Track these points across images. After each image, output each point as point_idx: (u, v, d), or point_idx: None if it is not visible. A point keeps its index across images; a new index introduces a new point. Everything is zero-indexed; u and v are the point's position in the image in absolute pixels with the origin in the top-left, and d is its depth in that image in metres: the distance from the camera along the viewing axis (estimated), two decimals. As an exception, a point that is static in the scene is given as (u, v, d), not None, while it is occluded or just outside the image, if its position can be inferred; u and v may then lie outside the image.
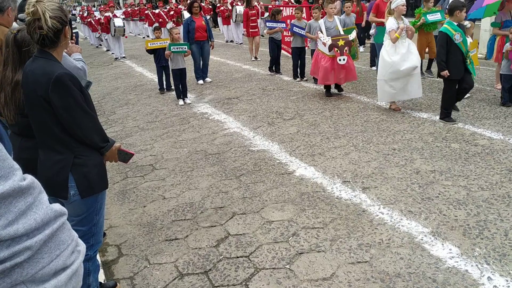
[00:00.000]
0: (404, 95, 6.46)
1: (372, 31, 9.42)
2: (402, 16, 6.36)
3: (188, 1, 9.82)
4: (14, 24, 3.76)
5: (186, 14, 14.11)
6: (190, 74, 9.07)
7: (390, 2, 6.44)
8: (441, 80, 5.98)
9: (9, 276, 0.83)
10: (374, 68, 9.83)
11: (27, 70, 2.27)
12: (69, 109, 2.22)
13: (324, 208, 3.79)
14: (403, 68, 6.18)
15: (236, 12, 15.57)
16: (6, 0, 3.27)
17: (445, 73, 5.67)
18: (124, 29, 14.99)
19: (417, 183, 4.16)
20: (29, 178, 0.89)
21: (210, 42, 9.39)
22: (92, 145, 2.36)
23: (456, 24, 5.65)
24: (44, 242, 0.87)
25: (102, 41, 17.26)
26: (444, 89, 5.89)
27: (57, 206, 0.94)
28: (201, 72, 9.68)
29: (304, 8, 10.23)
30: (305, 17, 10.11)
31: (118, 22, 14.29)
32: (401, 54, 6.24)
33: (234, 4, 16.70)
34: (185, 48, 7.67)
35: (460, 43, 5.61)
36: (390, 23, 6.33)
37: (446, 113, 5.89)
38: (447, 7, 10.81)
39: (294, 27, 8.88)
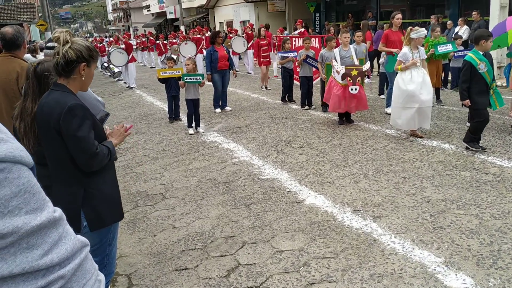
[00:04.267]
0: (413, 125, 6.48)
1: (381, 60, 9.53)
2: (419, 46, 6.40)
3: (211, 32, 10.11)
4: (29, 56, 3.89)
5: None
6: (203, 103, 9.17)
7: (410, 29, 6.45)
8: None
9: None
10: (382, 96, 9.90)
11: (42, 103, 2.33)
12: (76, 138, 2.26)
13: (335, 238, 3.77)
14: (421, 98, 6.22)
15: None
16: (21, 36, 3.40)
17: (467, 102, 5.59)
18: (120, 73, 15.81)
19: (428, 212, 4.13)
20: (59, 209, 0.94)
21: (231, 71, 9.68)
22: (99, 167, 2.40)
23: (481, 53, 5.58)
24: (74, 271, 0.91)
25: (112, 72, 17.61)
26: (475, 117, 5.69)
27: (82, 237, 0.98)
28: (221, 101, 9.84)
29: (312, 39, 10.44)
30: (318, 47, 10.32)
31: (116, 69, 15.29)
32: (417, 83, 6.28)
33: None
34: (199, 79, 7.80)
35: (485, 72, 5.53)
36: (403, 52, 6.38)
37: (472, 138, 5.74)
38: (453, 36, 11.00)
39: (308, 59, 9.02)
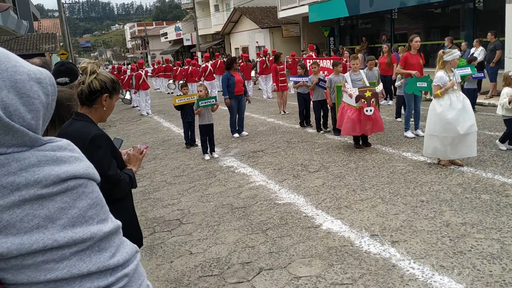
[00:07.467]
0: (455, 154, 6.01)
1: (397, 83, 9.53)
2: (453, 69, 6.12)
3: (228, 58, 10.30)
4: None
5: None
6: (219, 128, 9.29)
7: (442, 52, 6.17)
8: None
9: None
10: (399, 119, 9.86)
11: (63, 133, 2.40)
12: (99, 167, 2.32)
13: (352, 263, 3.73)
14: (462, 131, 5.79)
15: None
16: (48, 66, 3.53)
17: None
18: (131, 101, 17.27)
19: (448, 236, 4.06)
20: (117, 220, 1.10)
21: (246, 97, 9.81)
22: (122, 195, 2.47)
23: None
24: (134, 271, 1.06)
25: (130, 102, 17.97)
26: None
27: (133, 244, 1.13)
28: (237, 126, 9.92)
29: (326, 61, 10.55)
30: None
31: (127, 95, 16.36)
32: (457, 110, 5.85)
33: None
34: (213, 101, 7.90)
35: None
36: (439, 76, 6.03)
37: None
38: (468, 57, 10.96)
39: (320, 82, 9.10)
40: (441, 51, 6.30)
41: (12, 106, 0.91)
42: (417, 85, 7.65)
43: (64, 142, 1.03)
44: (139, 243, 2.58)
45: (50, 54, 26.09)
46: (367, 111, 7.20)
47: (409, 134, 8.15)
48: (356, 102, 7.30)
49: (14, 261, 0.89)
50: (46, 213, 0.92)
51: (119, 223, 1.07)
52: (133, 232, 2.51)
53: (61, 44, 28.60)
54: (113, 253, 1.01)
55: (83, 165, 1.01)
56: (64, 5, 32.96)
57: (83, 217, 0.97)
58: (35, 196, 0.91)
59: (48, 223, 0.92)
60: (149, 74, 21.04)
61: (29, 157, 0.93)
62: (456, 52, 6.13)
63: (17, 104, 0.92)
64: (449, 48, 9.70)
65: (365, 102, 7.21)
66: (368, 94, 7.21)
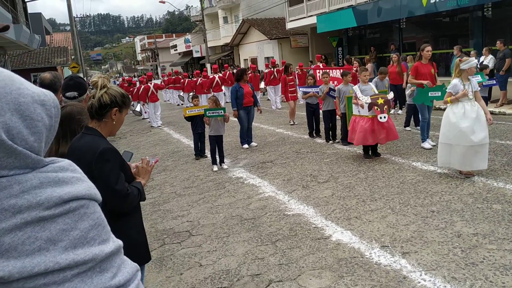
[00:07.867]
0: (465, 164, 5.93)
1: (408, 92, 9.50)
2: (470, 77, 6.06)
3: (238, 70, 10.34)
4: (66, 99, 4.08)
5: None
6: (229, 139, 9.31)
7: (459, 61, 6.09)
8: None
9: None
10: (407, 128, 9.82)
11: (74, 147, 2.44)
12: (107, 181, 2.34)
13: (363, 275, 3.70)
14: (476, 140, 5.72)
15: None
16: (58, 81, 3.59)
17: None
18: (141, 113, 17.38)
19: (460, 247, 4.01)
20: (118, 239, 1.09)
21: (256, 107, 9.84)
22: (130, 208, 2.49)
23: None
24: None
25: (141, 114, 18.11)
26: None
27: (134, 262, 1.12)
28: (246, 137, 9.94)
29: (335, 70, 10.58)
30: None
31: (138, 108, 16.64)
32: (471, 120, 5.79)
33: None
34: (221, 113, 7.92)
35: None
36: (453, 84, 5.99)
37: None
38: (478, 66, 10.92)
39: (330, 91, 9.11)
40: (458, 59, 6.27)
41: (15, 129, 0.90)
42: (429, 94, 7.58)
43: (66, 162, 1.02)
44: (147, 258, 2.59)
45: (62, 67, 26.43)
46: (381, 118, 7.14)
47: (426, 145, 7.94)
48: (369, 110, 7.24)
49: (15, 284, 0.88)
50: (48, 235, 0.91)
51: (120, 242, 1.06)
52: (140, 248, 2.52)
53: (73, 57, 29.03)
54: (114, 273, 1.00)
55: (85, 185, 1.00)
56: (76, 19, 33.52)
57: (85, 238, 0.96)
58: (37, 219, 0.90)
59: (49, 245, 0.91)
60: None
61: (31, 179, 0.92)
62: (473, 61, 6.07)
63: (20, 127, 0.91)
64: (458, 56, 9.69)
65: (378, 109, 7.15)
66: (380, 101, 7.17)
